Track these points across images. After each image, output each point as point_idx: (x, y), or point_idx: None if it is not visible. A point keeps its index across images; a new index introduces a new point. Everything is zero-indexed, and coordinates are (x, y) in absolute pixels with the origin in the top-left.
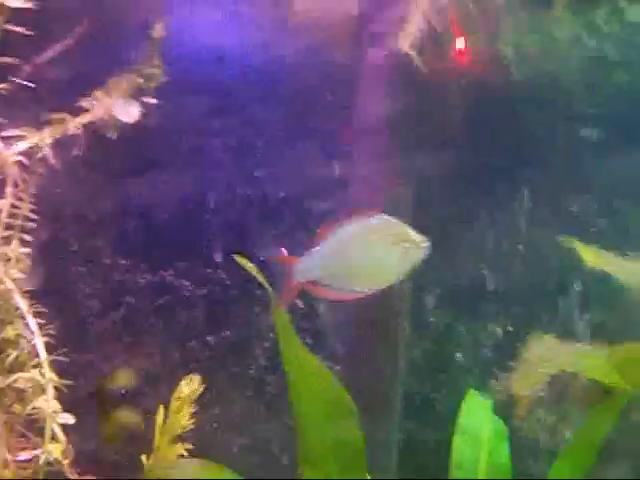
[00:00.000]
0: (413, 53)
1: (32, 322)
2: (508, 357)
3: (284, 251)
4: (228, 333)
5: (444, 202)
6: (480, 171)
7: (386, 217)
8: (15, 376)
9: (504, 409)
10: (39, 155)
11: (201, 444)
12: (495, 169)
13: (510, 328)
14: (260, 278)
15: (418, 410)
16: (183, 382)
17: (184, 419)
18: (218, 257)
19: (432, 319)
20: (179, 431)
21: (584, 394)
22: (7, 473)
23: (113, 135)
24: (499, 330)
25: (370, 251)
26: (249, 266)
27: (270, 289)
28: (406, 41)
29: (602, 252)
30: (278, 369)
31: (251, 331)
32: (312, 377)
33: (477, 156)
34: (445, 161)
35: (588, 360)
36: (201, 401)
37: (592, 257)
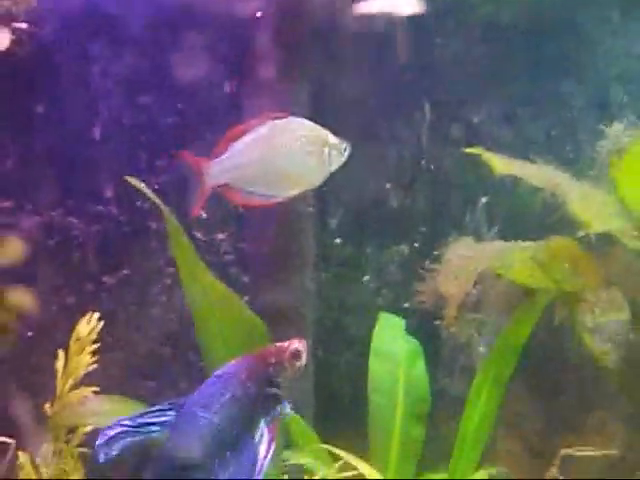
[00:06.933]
0: None
1: None
2: (415, 278)
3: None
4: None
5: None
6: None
7: (299, 119)
8: None
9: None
10: None
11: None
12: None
13: (417, 245)
14: (153, 197)
15: (330, 335)
16: (81, 322)
17: (85, 360)
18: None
19: (338, 241)
20: (81, 373)
21: (506, 297)
22: None
23: None
24: (406, 249)
25: (289, 154)
26: (141, 186)
27: (164, 208)
28: None
29: (510, 159)
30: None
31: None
32: (217, 301)
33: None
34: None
35: (512, 257)
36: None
37: (501, 165)
